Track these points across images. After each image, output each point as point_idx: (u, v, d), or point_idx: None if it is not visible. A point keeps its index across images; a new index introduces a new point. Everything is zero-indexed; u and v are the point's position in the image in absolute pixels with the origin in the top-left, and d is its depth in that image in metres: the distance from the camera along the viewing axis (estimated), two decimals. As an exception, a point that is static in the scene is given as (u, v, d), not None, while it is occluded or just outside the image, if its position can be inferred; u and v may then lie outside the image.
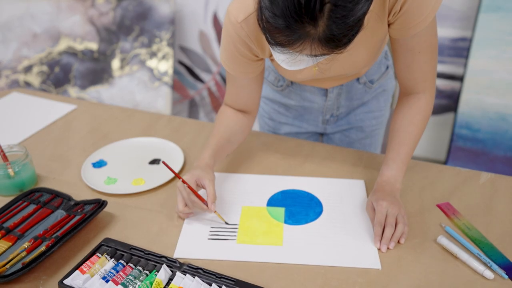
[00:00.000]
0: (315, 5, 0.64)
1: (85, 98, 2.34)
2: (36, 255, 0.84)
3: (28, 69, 2.33)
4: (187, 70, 2.57)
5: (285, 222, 0.98)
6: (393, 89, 1.29)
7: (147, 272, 0.83)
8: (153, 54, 2.34)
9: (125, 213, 1.00)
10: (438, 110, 2.26)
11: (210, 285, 0.81)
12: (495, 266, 0.85)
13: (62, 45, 2.34)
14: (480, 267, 0.84)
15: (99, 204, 0.97)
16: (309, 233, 0.95)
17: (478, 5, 1.99)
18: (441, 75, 2.19)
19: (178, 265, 0.85)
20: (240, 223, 0.98)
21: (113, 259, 0.86)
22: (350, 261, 0.87)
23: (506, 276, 0.83)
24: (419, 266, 0.86)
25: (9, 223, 0.95)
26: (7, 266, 0.83)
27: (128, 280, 0.81)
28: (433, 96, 1.00)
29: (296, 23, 0.67)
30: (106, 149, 1.23)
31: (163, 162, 0.96)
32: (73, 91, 2.35)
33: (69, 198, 1.02)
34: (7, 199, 1.04)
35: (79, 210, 0.98)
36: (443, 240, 0.90)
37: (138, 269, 0.84)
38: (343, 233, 0.94)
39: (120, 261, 0.85)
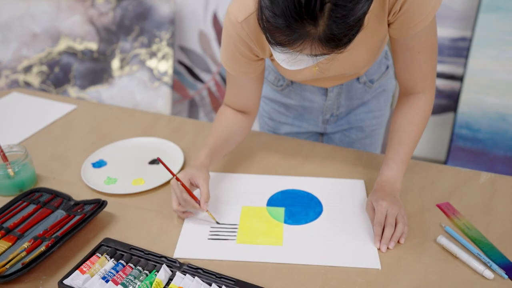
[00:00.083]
0: (315, 5, 0.64)
1: (85, 98, 2.34)
2: (36, 255, 0.84)
3: (28, 69, 2.33)
4: (187, 70, 2.57)
5: (285, 222, 0.98)
6: (393, 89, 1.29)
7: (147, 272, 0.83)
8: (153, 54, 2.34)
9: (125, 213, 1.00)
10: (438, 110, 2.26)
11: (210, 285, 0.81)
12: (495, 266, 0.85)
13: (62, 45, 2.34)
14: (480, 267, 0.84)
15: (99, 204, 0.97)
16: (309, 233, 0.95)
17: (478, 5, 1.99)
18: (441, 75, 2.19)
19: (178, 265, 0.85)
20: (240, 223, 0.98)
21: (113, 259, 0.86)
22: (350, 261, 0.87)
23: (506, 276, 0.83)
24: (419, 266, 0.86)
25: (9, 223, 0.95)
26: (7, 266, 0.83)
27: (128, 280, 0.81)
28: (433, 96, 1.00)
29: (296, 22, 0.67)
30: (106, 149, 1.23)
31: (158, 159, 0.95)
32: (73, 91, 2.35)
33: (69, 198, 1.02)
34: (7, 199, 1.04)
35: (79, 210, 0.98)
36: (443, 240, 0.90)
37: (138, 269, 0.84)
38: (343, 233, 0.94)
39: (120, 261, 0.85)
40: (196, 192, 1.00)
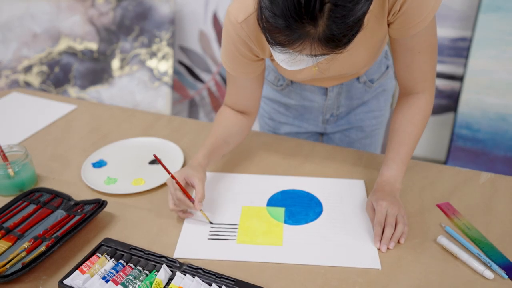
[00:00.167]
0: (315, 5, 0.64)
1: (85, 98, 2.34)
2: (36, 255, 0.84)
3: (28, 69, 2.33)
4: (187, 70, 2.57)
5: (285, 222, 0.98)
6: (393, 89, 1.29)
7: (147, 272, 0.83)
8: (153, 54, 2.34)
9: (125, 213, 1.00)
10: (438, 110, 2.26)
11: (210, 285, 0.81)
12: (495, 266, 0.85)
13: (62, 45, 2.34)
14: (480, 267, 0.84)
15: (99, 204, 0.97)
16: (309, 233, 0.95)
17: (478, 5, 1.99)
18: (441, 75, 2.19)
19: (178, 265, 0.85)
20: (240, 223, 0.98)
21: (113, 259, 0.86)
22: (350, 261, 0.87)
23: (506, 276, 0.83)
24: (419, 266, 0.86)
25: (9, 223, 0.95)
26: (7, 266, 0.83)
27: (128, 280, 0.81)
28: (433, 96, 1.00)
29: (296, 22, 0.67)
30: (106, 149, 1.23)
31: (155, 156, 0.95)
32: (73, 91, 2.35)
33: (69, 198, 1.02)
34: (7, 199, 1.04)
35: (79, 210, 0.98)
36: (443, 240, 0.90)
37: (138, 269, 0.84)
38: (343, 233, 0.94)
39: (120, 261, 0.85)
40: (192, 193, 1.00)
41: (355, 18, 0.68)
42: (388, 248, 0.89)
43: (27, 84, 2.33)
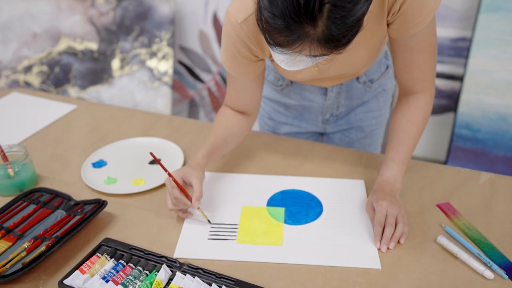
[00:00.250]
0: (314, 6, 0.64)
1: (85, 98, 2.34)
2: (36, 255, 0.84)
3: (28, 69, 2.33)
4: (187, 70, 2.57)
5: (285, 222, 0.98)
6: (393, 89, 1.29)
7: (147, 272, 0.83)
8: (153, 54, 2.34)
9: (125, 213, 1.00)
10: (438, 110, 2.26)
11: (210, 285, 0.81)
12: (495, 266, 0.85)
13: (62, 45, 2.34)
14: (480, 267, 0.84)
15: (99, 204, 0.97)
16: (309, 233, 0.95)
17: (478, 5, 1.99)
18: (441, 75, 2.19)
19: (178, 265, 0.85)
20: (240, 223, 0.98)
21: (113, 259, 0.86)
22: (350, 261, 0.87)
23: (506, 276, 0.83)
24: (419, 266, 0.86)
25: (9, 223, 0.95)
26: (7, 266, 0.83)
27: (128, 280, 0.81)
28: (433, 96, 1.00)
29: (295, 23, 0.67)
30: (106, 149, 1.23)
31: (151, 154, 0.95)
32: (73, 91, 2.35)
33: (69, 198, 1.02)
34: (7, 199, 1.04)
35: (79, 210, 0.98)
36: (443, 240, 0.90)
37: (138, 269, 0.84)
38: (343, 233, 0.94)
39: (120, 261, 0.85)
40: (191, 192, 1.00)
41: (355, 18, 0.68)
42: (388, 248, 0.89)
43: (27, 84, 2.33)
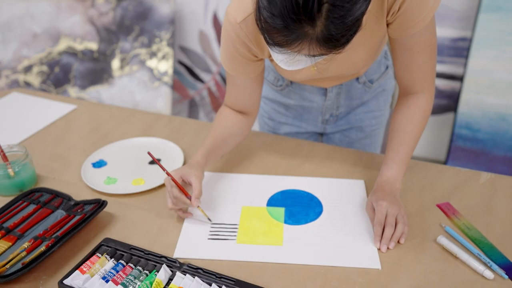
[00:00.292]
0: (313, 5, 0.64)
1: (85, 98, 2.34)
2: (36, 255, 0.84)
3: (28, 69, 2.33)
4: (187, 70, 2.57)
5: (285, 222, 0.98)
6: (393, 89, 1.29)
7: (147, 272, 0.83)
8: (153, 54, 2.34)
9: (125, 213, 1.00)
10: (438, 110, 2.26)
11: (210, 285, 0.81)
12: (495, 266, 0.85)
13: (62, 45, 2.34)
14: (480, 267, 0.84)
15: (99, 204, 0.97)
16: (309, 233, 0.95)
17: (478, 5, 1.99)
18: (441, 75, 2.19)
19: (178, 265, 0.85)
20: (240, 223, 0.98)
21: (113, 259, 0.86)
22: (350, 261, 0.87)
23: (506, 276, 0.83)
24: (419, 266, 0.86)
25: (9, 223, 0.95)
26: (7, 266, 0.83)
27: (128, 280, 0.81)
28: (433, 96, 1.00)
29: (294, 23, 0.67)
30: (106, 149, 1.23)
31: (149, 153, 0.95)
32: (73, 91, 2.35)
33: (69, 198, 1.02)
34: (7, 199, 1.04)
35: (79, 210, 0.98)
36: (443, 240, 0.90)
37: (138, 269, 0.84)
38: (343, 233, 0.94)
39: (120, 261, 0.85)
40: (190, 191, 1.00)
41: (353, 18, 0.68)
42: (388, 248, 0.89)
43: (27, 84, 2.33)
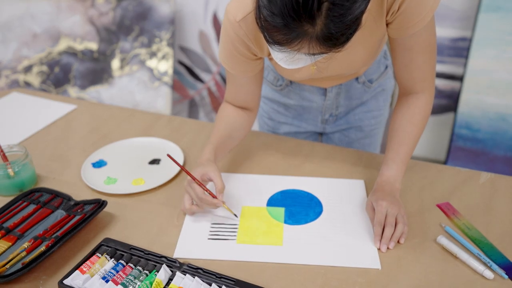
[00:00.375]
0: (313, 4, 0.64)
1: (85, 98, 2.34)
2: (36, 255, 0.84)
3: (28, 69, 2.33)
4: (187, 70, 2.57)
5: (285, 222, 0.98)
6: (392, 89, 1.29)
7: (147, 272, 0.83)
8: (153, 54, 2.34)
9: (125, 213, 1.00)
10: (438, 110, 2.26)
11: (210, 285, 0.81)
12: (495, 266, 0.85)
13: (62, 45, 2.34)
14: (480, 267, 0.84)
15: (99, 204, 0.97)
16: (309, 233, 0.95)
17: (478, 5, 1.99)
18: (441, 75, 2.19)
19: (178, 265, 0.85)
20: (240, 223, 0.98)
21: (113, 259, 0.86)
22: (350, 261, 0.87)
23: (506, 276, 0.83)
24: (419, 266, 0.86)
25: (9, 223, 0.95)
26: (7, 266, 0.83)
27: (128, 280, 0.81)
28: (432, 96, 1.00)
29: (294, 21, 0.67)
30: (106, 149, 1.23)
31: (168, 155, 0.96)
32: (73, 91, 2.35)
33: (69, 198, 1.02)
34: (7, 199, 1.04)
35: (79, 210, 0.98)
36: (443, 240, 0.90)
37: (138, 269, 0.84)
38: (343, 233, 0.94)
39: (120, 261, 0.85)
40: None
41: (353, 16, 0.68)
42: (388, 248, 0.89)
43: (27, 84, 2.33)
